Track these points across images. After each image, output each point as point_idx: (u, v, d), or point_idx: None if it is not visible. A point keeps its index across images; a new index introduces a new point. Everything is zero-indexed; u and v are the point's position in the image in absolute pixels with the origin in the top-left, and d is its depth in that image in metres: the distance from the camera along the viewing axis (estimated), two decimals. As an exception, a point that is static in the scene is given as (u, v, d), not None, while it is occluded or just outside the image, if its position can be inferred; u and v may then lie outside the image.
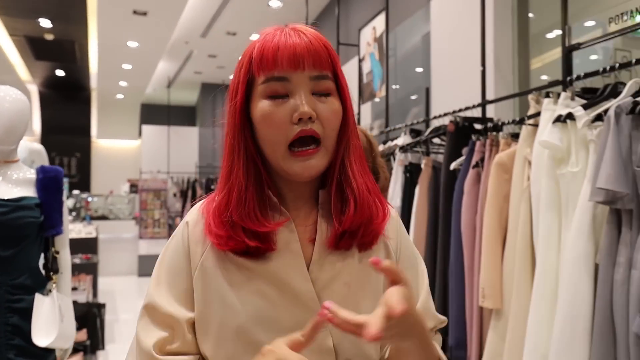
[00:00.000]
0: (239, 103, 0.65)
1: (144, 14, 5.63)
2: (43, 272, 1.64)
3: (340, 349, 0.64)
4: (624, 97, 1.45)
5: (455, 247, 2.05)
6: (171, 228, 9.24)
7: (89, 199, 9.56)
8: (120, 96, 10.76)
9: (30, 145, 3.29)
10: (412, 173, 2.64)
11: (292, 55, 0.63)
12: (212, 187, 9.15)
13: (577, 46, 1.77)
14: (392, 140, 3.12)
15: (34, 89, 10.44)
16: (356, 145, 0.69)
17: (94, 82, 9.62)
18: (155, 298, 0.67)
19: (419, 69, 3.46)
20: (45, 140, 11.02)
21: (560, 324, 1.50)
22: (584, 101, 1.65)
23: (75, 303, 3.69)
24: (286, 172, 0.65)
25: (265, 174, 0.66)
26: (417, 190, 2.48)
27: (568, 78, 1.76)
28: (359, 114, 3.92)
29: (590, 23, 2.56)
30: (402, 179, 2.69)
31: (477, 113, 2.37)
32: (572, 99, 1.67)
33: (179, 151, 9.89)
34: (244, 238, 0.62)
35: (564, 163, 1.59)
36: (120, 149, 11.83)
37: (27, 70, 9.11)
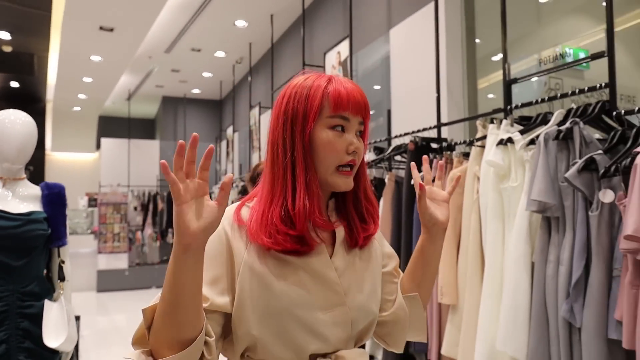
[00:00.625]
0: (309, 129, 0.82)
1: (111, 30, 5.70)
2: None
3: (355, 321, 0.85)
4: (551, 125, 1.78)
5: (417, 252, 2.33)
6: (132, 242, 9.15)
7: (44, 214, 9.34)
8: (77, 108, 10.60)
9: None
10: (376, 187, 2.92)
11: (357, 103, 0.84)
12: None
13: (515, 80, 2.11)
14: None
15: (-16, 100, 10.11)
16: (366, 171, 0.94)
17: (50, 94, 9.46)
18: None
19: (377, 87, 3.77)
20: (-5, 152, 10.68)
21: (505, 313, 1.79)
22: (520, 127, 1.97)
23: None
24: (331, 185, 0.85)
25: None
26: (381, 202, 2.76)
27: (508, 107, 2.09)
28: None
29: (527, 57, 2.95)
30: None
31: (433, 134, 2.68)
32: (512, 125, 1.99)
33: (140, 164, 9.83)
34: (287, 242, 0.80)
35: (506, 179, 1.90)
36: (76, 162, 11.59)
37: (-21, 82, 8.86)
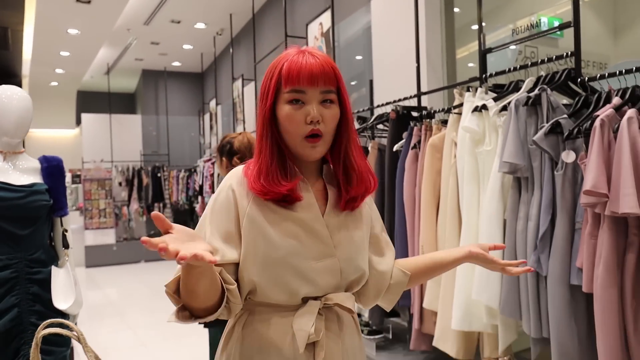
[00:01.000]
0: (269, 104, 0.92)
1: (88, 2, 5.61)
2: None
3: (344, 271, 0.96)
4: (522, 92, 1.90)
5: (399, 215, 2.48)
6: (117, 217, 9.18)
7: (27, 191, 9.26)
8: (54, 83, 10.39)
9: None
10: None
11: (311, 74, 0.90)
12: (159, 174, 9.17)
13: (490, 50, 2.23)
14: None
15: (-43, 77, 9.84)
16: (354, 138, 0.98)
17: (26, 69, 9.25)
18: (210, 240, 0.92)
19: (359, 57, 3.84)
20: (-28, 130, 10.45)
21: (479, 268, 1.96)
22: (494, 95, 2.10)
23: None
24: (300, 154, 0.94)
25: (287, 152, 0.94)
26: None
27: (483, 75, 2.21)
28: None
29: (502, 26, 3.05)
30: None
31: (413, 102, 2.79)
32: (486, 93, 2.12)
33: (122, 139, 9.77)
34: (278, 190, 0.91)
35: (481, 143, 2.04)
36: (56, 138, 11.44)
37: (-49, 57, 8.61)
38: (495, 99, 2.03)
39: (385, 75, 3.37)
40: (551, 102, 1.76)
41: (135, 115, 10.85)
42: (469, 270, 2.05)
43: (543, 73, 1.93)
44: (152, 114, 10.33)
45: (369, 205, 1.08)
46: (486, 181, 2.02)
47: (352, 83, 3.99)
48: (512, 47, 2.80)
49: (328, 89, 0.92)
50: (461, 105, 2.20)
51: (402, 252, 2.42)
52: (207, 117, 8.94)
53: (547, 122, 1.73)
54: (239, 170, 0.98)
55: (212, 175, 6.41)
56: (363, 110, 3.28)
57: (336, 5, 3.86)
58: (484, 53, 2.24)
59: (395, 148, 2.60)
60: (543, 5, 3.15)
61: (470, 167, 2.07)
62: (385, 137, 2.91)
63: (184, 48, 8.45)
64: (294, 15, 4.95)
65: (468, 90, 2.18)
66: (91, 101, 11.22)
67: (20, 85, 10.42)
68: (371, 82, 3.46)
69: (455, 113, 2.24)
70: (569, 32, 1.86)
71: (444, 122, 2.41)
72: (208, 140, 8.79)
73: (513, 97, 1.89)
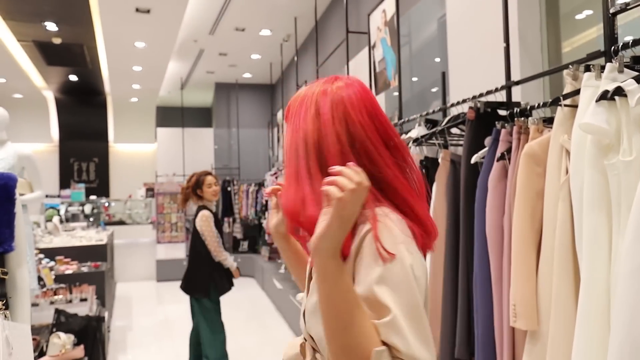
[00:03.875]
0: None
1: (147, 11, 5.45)
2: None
3: (305, 325, 0.87)
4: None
5: (480, 255, 1.75)
6: (188, 231, 9.10)
7: (107, 204, 9.51)
8: (134, 99, 10.71)
9: (20, 151, 3.11)
10: (428, 169, 2.34)
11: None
12: (229, 188, 8.95)
13: (624, 7, 1.45)
14: (406, 133, 2.83)
15: (50, 96, 10.46)
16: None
17: (107, 86, 9.56)
18: None
19: (437, 59, 3.15)
20: (63, 146, 11.05)
21: (617, 351, 1.19)
22: (636, 73, 1.33)
23: (74, 316, 3.52)
24: None
25: None
26: (434, 188, 2.19)
27: (612, 47, 1.44)
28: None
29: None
30: (417, 176, 2.40)
31: (501, 97, 2.05)
32: (621, 71, 1.35)
33: (195, 153, 9.75)
34: None
35: (613, 151, 1.27)
36: (137, 153, 11.79)
37: (40, 77, 9.10)
38: (639, 79, 1.26)
39: (463, 65, 2.64)
40: None
41: (207, 128, 10.85)
42: (596, 351, 1.28)
43: None
44: (224, 127, 10.24)
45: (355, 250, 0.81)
46: (624, 211, 1.24)
47: (433, 90, 3.28)
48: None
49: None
50: (577, 92, 1.45)
51: (485, 311, 1.68)
52: (275, 129, 8.61)
53: None
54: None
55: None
56: (433, 112, 2.58)
57: (402, -12, 3.20)
58: (612, 14, 1.47)
59: (473, 159, 1.88)
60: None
61: (593, 187, 1.31)
62: (461, 144, 2.18)
63: (252, 58, 8.20)
64: (359, 9, 4.36)
65: (588, 70, 1.42)
66: (169, 117, 11.45)
67: (105, 102, 10.87)
68: (444, 75, 2.74)
69: (566, 105, 1.49)
70: None
71: (547, 121, 1.65)
72: (276, 153, 8.43)
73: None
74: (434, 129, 2.37)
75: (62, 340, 3.13)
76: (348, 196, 0.73)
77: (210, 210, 3.45)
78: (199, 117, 12.25)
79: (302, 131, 0.86)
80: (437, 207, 2.11)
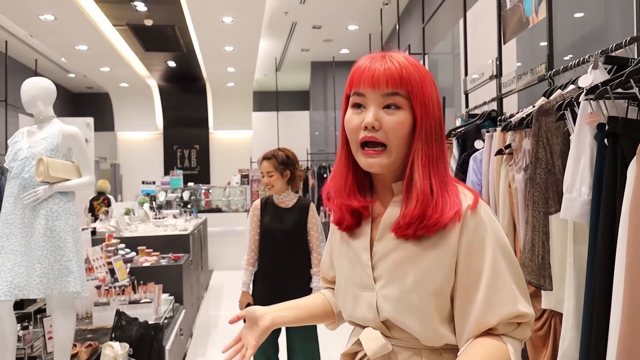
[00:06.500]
0: (343, 110, 0.92)
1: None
2: None
3: (381, 308, 0.88)
4: None
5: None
6: (283, 220, 8.65)
7: (207, 191, 9.40)
8: (231, 84, 10.49)
9: (65, 129, 2.66)
10: (615, 138, 1.37)
11: (373, 76, 0.84)
12: (325, 174, 8.31)
13: None
14: (561, 87, 1.84)
15: (153, 84, 10.63)
16: (427, 151, 0.85)
17: (204, 70, 9.40)
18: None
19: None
20: (167, 133, 11.25)
21: None
22: None
23: (134, 321, 3.06)
24: (360, 164, 0.88)
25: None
26: (629, 171, 1.24)
27: None
28: (499, 60, 2.63)
29: None
30: (592, 150, 1.44)
31: None
32: None
33: (290, 137, 9.27)
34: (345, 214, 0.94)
35: None
36: (234, 139, 11.65)
37: (142, 64, 9.17)
38: None
39: None
40: None
41: (303, 111, 10.30)
42: None
43: None
44: (321, 110, 9.61)
45: (469, 242, 0.83)
46: None
47: (576, 15, 2.21)
48: None
49: (392, 91, 0.84)
50: None
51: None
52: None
53: None
54: None
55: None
56: (618, 47, 1.57)
57: None
58: None
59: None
60: None
61: None
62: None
63: (348, 29, 7.39)
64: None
65: None
66: (266, 101, 11.12)
67: (204, 89, 10.82)
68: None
69: None
70: None
71: None
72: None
73: None
74: (620, 73, 1.39)
75: (114, 352, 2.66)
76: None
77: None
78: (297, 101, 11.79)
79: (436, 116, 0.86)
80: (637, 201, 1.15)
